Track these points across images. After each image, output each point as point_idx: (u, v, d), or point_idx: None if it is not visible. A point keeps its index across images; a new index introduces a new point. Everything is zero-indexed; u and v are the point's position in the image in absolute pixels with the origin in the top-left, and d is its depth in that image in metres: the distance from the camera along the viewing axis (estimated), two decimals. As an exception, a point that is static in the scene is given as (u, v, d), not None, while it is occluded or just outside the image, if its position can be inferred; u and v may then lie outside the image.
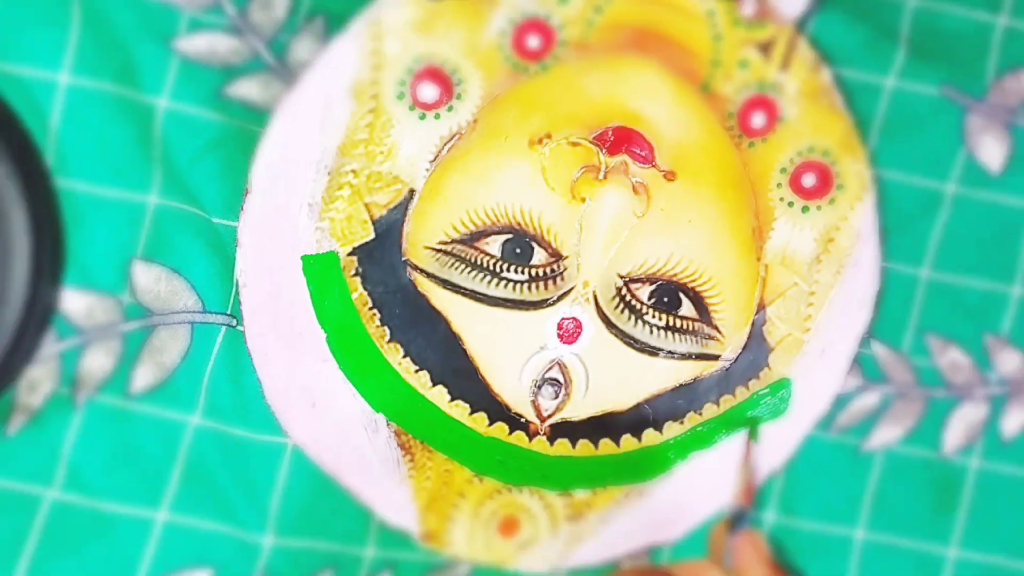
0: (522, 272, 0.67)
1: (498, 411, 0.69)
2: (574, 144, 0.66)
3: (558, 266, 0.67)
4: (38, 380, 0.67)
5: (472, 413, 0.69)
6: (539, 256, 0.67)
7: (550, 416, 0.70)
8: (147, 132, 0.67)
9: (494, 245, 0.67)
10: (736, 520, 0.68)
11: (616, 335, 0.69)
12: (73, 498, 0.68)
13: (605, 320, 0.68)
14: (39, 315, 0.66)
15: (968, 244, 0.74)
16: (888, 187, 0.72)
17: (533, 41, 0.68)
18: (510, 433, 0.70)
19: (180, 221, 0.68)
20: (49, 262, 0.66)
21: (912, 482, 0.74)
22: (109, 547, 0.68)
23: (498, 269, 0.67)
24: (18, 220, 0.64)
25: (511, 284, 0.67)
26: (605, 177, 0.67)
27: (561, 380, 0.69)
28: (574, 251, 0.67)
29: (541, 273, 0.67)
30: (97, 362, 0.68)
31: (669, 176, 0.67)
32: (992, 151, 0.74)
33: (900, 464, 0.74)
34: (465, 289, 0.68)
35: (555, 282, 0.68)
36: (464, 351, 0.69)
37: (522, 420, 0.70)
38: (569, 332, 0.68)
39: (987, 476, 0.75)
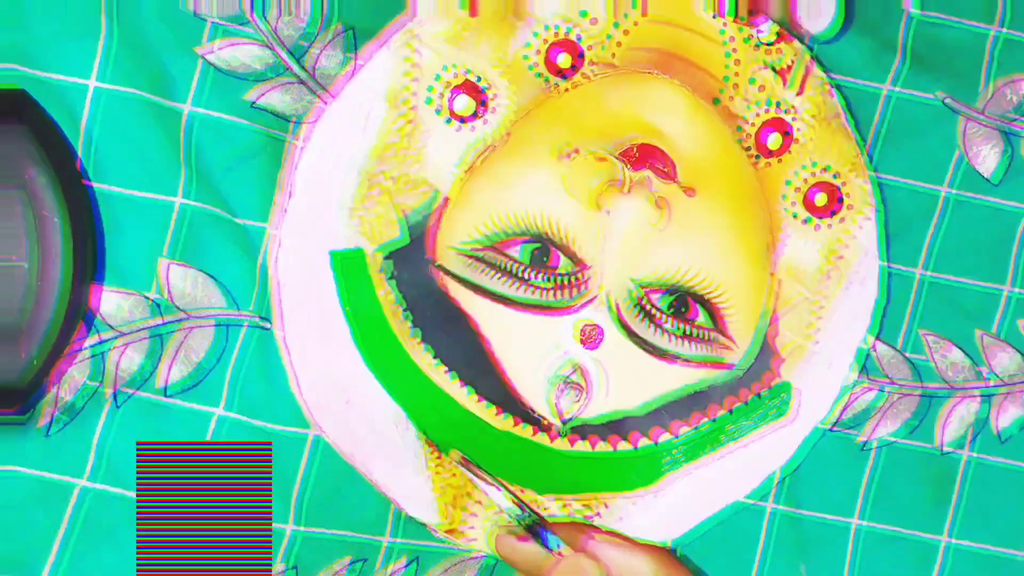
0: (547, 278, 0.69)
1: (520, 412, 0.71)
2: (601, 159, 0.69)
3: (582, 274, 0.70)
4: (73, 376, 0.68)
5: (496, 413, 0.71)
6: (563, 263, 0.69)
7: (571, 418, 0.72)
8: (176, 138, 0.69)
9: (521, 251, 0.69)
10: (540, 522, 0.70)
11: (634, 341, 0.71)
12: (106, 489, 0.69)
13: (624, 326, 0.70)
14: (76, 316, 0.67)
15: (964, 246, 0.76)
16: (888, 192, 0.75)
17: (564, 60, 0.70)
18: (532, 434, 0.72)
19: (209, 224, 0.69)
20: (85, 265, 0.67)
21: (908, 475, 0.76)
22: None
23: (524, 275, 0.69)
24: (55, 225, 0.65)
25: (536, 289, 0.69)
26: (629, 191, 0.69)
27: (582, 383, 0.71)
28: (596, 259, 0.69)
29: (565, 280, 0.69)
30: (128, 358, 0.69)
31: (689, 192, 0.69)
32: (989, 157, 0.76)
33: (897, 457, 0.76)
34: (492, 292, 0.70)
35: (578, 288, 0.70)
36: (489, 352, 0.71)
37: (543, 421, 0.72)
38: (591, 338, 0.70)
39: (981, 469, 0.77)
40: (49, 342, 0.66)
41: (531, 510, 0.70)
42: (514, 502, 0.69)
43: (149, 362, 0.69)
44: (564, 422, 0.72)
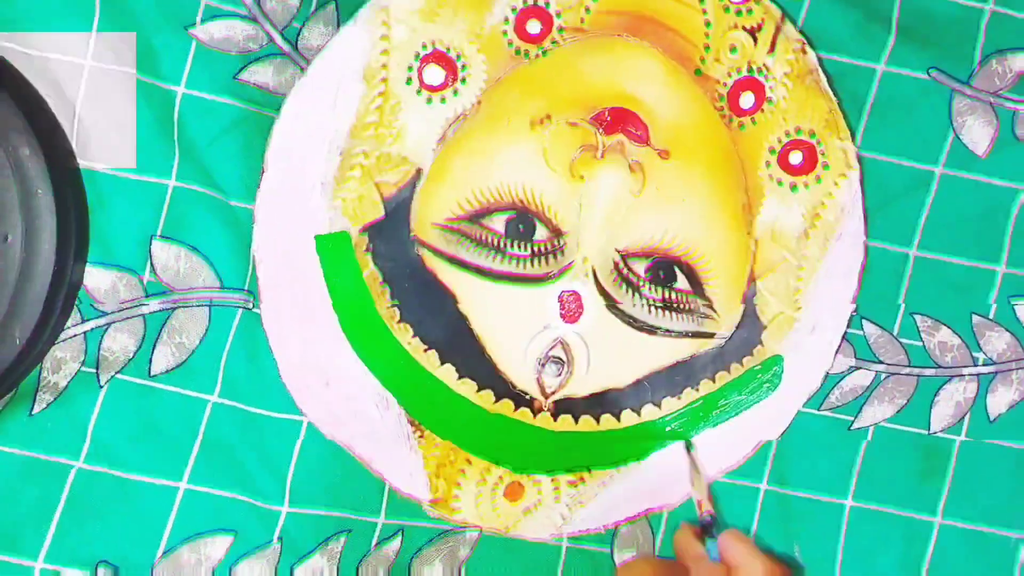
0: (525, 248, 0.70)
1: (504, 388, 0.72)
2: (572, 125, 0.69)
3: (559, 242, 0.70)
4: (63, 359, 0.70)
5: (479, 390, 0.71)
6: (541, 233, 0.70)
7: (553, 393, 0.72)
8: (167, 116, 0.70)
9: (498, 222, 0.69)
10: (713, 524, 0.69)
11: (616, 314, 0.71)
12: (98, 471, 0.70)
13: (604, 294, 0.70)
14: (65, 292, 0.68)
15: (956, 225, 0.76)
16: (877, 169, 0.74)
17: (533, 26, 0.70)
18: (516, 409, 0.72)
19: (198, 202, 0.70)
20: (74, 241, 0.68)
21: (901, 455, 0.76)
22: (134, 517, 0.70)
23: (502, 245, 0.69)
24: (44, 200, 0.66)
25: (514, 260, 0.70)
26: (603, 156, 0.69)
27: (564, 358, 0.71)
28: (574, 228, 0.70)
29: (543, 249, 0.70)
30: (120, 342, 0.70)
31: (663, 154, 0.70)
32: (979, 133, 0.76)
33: (890, 438, 0.76)
34: (471, 265, 0.70)
35: (556, 257, 0.70)
36: (471, 330, 0.71)
37: (527, 397, 0.72)
38: (570, 310, 0.71)
39: (973, 450, 0.77)
40: (36, 319, 0.67)
41: (712, 516, 0.70)
42: (702, 501, 0.70)
43: (141, 346, 0.70)
44: (548, 397, 0.72)
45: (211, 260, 0.70)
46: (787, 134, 0.72)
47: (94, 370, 0.70)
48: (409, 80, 0.70)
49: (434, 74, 0.70)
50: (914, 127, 0.75)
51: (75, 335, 0.70)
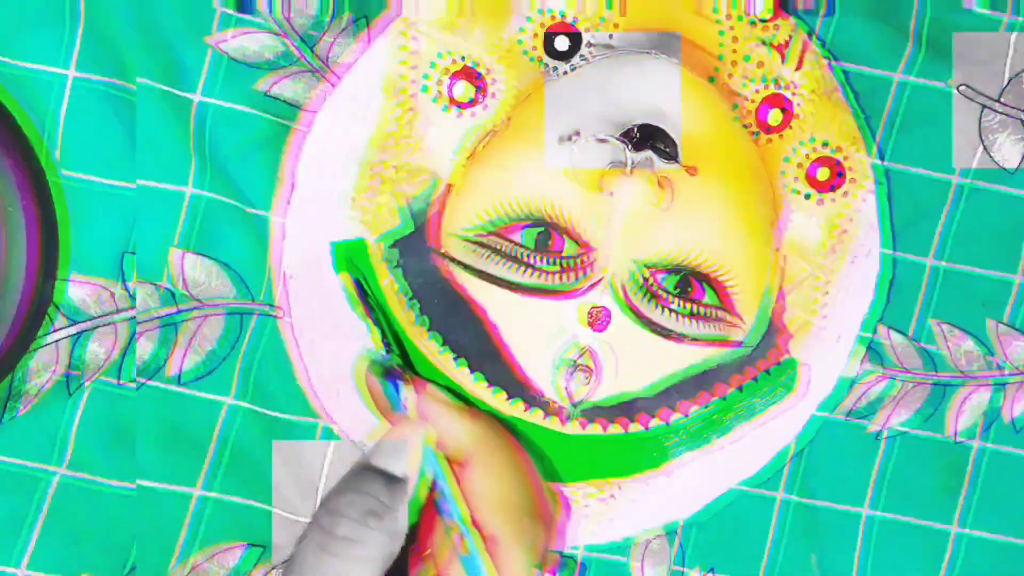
0: (553, 262, 0.70)
1: (530, 397, 0.72)
2: (601, 141, 0.69)
3: (588, 257, 0.70)
4: (46, 364, 0.70)
5: (508, 399, 0.72)
6: (568, 247, 0.70)
7: (581, 401, 0.72)
8: (187, 127, 0.69)
9: (524, 236, 0.70)
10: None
11: (641, 323, 0.71)
12: (80, 476, 0.70)
13: (631, 309, 0.70)
14: (42, 303, 0.68)
15: (977, 235, 0.75)
16: (903, 183, 0.74)
17: (561, 43, 0.71)
18: (545, 418, 0.72)
19: (220, 213, 0.70)
20: (52, 256, 0.68)
21: (921, 464, 0.76)
22: (147, 524, 0.70)
23: (529, 259, 0.69)
24: (16, 215, 0.67)
25: (542, 273, 0.70)
26: (631, 172, 0.69)
27: (590, 365, 0.71)
28: (601, 242, 0.70)
29: (570, 263, 0.70)
30: (103, 347, 0.70)
31: (691, 171, 0.69)
32: (1007, 149, 0.75)
33: (909, 446, 0.76)
34: (498, 278, 0.70)
35: (583, 271, 0.70)
36: (497, 339, 0.71)
37: (555, 405, 0.72)
38: (598, 320, 0.71)
39: (993, 458, 0.76)
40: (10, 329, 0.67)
41: (396, 356, 0.70)
42: (382, 341, 0.70)
43: (162, 351, 0.70)
44: (575, 404, 0.72)
45: (233, 270, 0.70)
46: (813, 149, 0.72)
47: (78, 372, 0.70)
48: (426, 88, 0.70)
49: (461, 89, 0.70)
50: (941, 142, 0.75)
51: (59, 339, 0.70)
